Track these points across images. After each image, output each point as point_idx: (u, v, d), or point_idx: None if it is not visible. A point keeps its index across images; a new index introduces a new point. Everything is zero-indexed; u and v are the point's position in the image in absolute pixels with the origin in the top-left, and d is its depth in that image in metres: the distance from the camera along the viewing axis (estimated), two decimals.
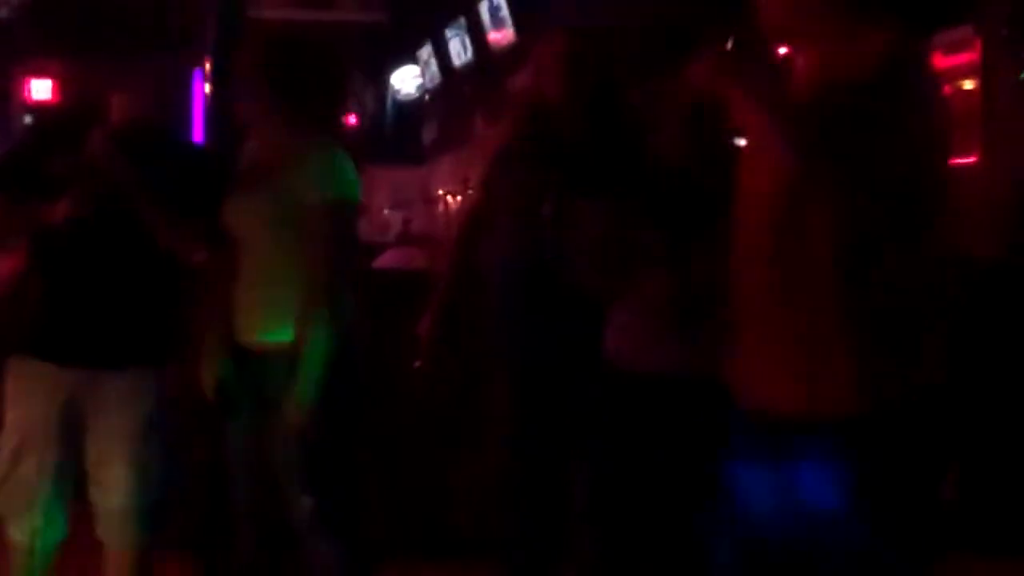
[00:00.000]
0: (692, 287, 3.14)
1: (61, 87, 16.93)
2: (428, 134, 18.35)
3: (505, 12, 12.97)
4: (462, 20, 14.60)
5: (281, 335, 3.32)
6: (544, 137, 3.72)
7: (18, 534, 3.42)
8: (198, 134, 7.94)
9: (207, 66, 6.32)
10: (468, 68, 14.88)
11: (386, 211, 16.03)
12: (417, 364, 3.92)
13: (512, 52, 12.35)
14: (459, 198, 15.93)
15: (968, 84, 7.53)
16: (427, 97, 17.99)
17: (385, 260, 8.33)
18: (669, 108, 3.36)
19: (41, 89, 17.25)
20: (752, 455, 2.58)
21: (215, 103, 5.87)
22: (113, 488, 3.38)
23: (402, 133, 18.38)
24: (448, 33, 15.31)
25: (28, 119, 17.51)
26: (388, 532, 4.41)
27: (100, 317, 3.37)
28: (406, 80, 18.20)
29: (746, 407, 2.56)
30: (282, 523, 3.43)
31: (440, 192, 16.65)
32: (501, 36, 13.16)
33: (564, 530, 3.70)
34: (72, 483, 3.43)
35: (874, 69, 2.38)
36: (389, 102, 18.40)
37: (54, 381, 3.37)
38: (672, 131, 3.37)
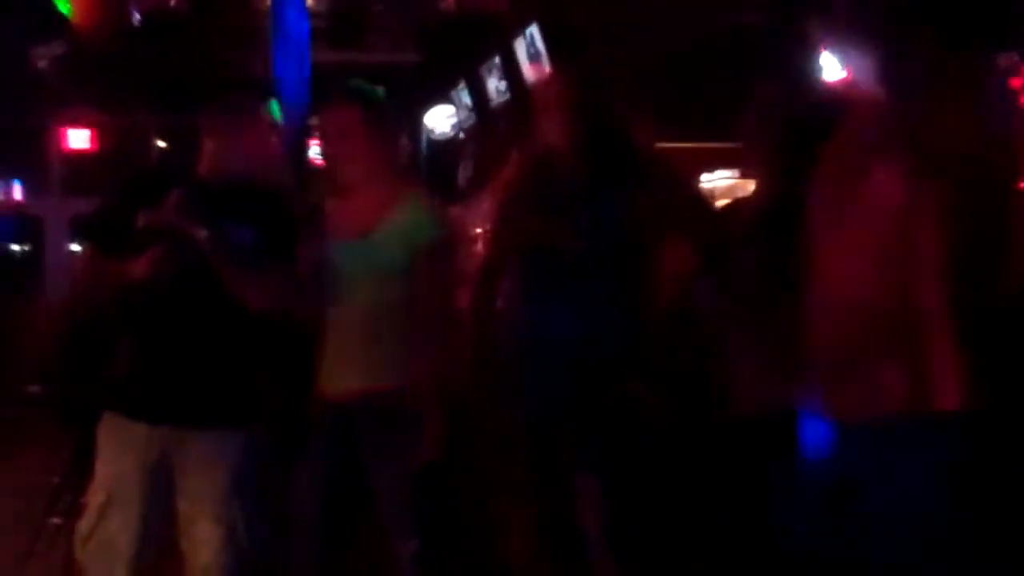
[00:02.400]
0: None
1: (99, 136, 17.07)
2: (464, 173, 18.38)
3: (541, 48, 13.01)
4: (497, 59, 14.65)
5: (384, 381, 3.41)
6: (549, 184, 3.68)
7: None
8: None
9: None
10: (504, 105, 14.92)
11: None
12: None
13: None
14: None
15: None
16: (462, 135, 18.04)
17: None
18: None
19: (78, 138, 17.42)
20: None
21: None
22: (202, 545, 3.36)
23: (437, 172, 18.42)
24: (483, 71, 15.36)
25: (61, 166, 17.74)
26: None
27: (186, 376, 3.35)
28: (440, 119, 18.26)
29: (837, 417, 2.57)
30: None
31: (478, 231, 16.65)
32: (537, 71, 13.18)
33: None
34: (158, 539, 3.40)
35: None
36: (423, 142, 18.46)
37: (143, 440, 3.35)
38: None
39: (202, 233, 3.28)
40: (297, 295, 3.44)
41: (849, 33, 2.69)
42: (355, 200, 3.59)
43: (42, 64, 14.37)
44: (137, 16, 12.63)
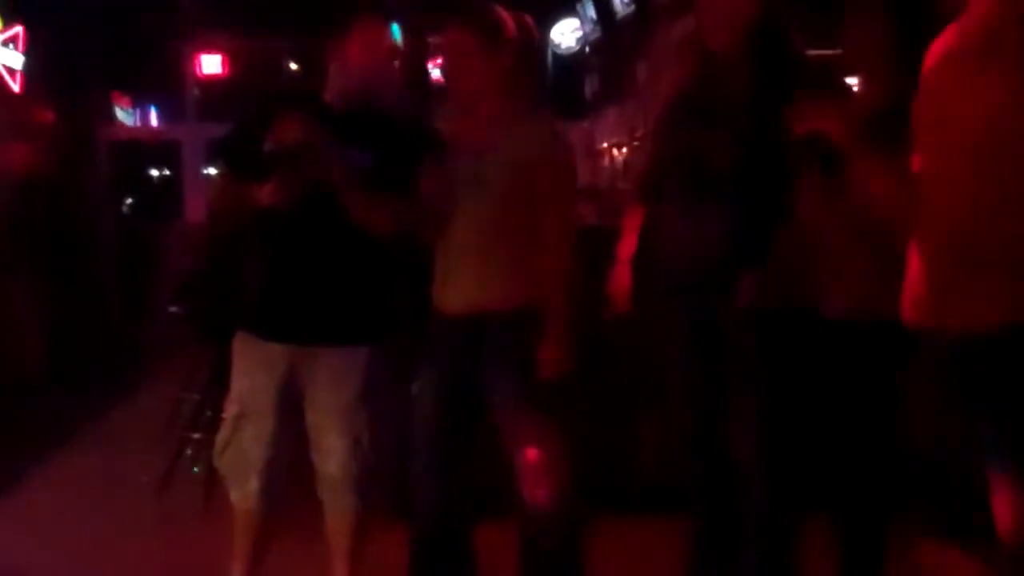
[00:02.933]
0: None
1: (232, 61, 17.36)
2: (589, 87, 18.28)
3: None
4: None
5: (500, 297, 3.48)
6: (712, 90, 3.64)
7: (238, 497, 3.54)
8: None
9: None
10: (630, 18, 14.76)
11: None
12: (609, 315, 3.92)
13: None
14: (624, 150, 15.89)
15: None
16: (587, 50, 17.93)
17: None
18: None
19: (212, 64, 17.74)
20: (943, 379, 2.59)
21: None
22: (329, 456, 3.48)
23: (563, 87, 18.34)
24: None
25: (196, 91, 18.10)
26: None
27: (314, 296, 3.46)
28: (566, 34, 18.16)
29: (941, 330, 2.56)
30: (465, 486, 3.64)
31: (604, 145, 16.60)
32: None
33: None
34: (289, 450, 3.53)
35: None
36: (549, 56, 18.38)
37: (273, 357, 3.47)
38: None
39: (326, 156, 3.36)
40: (416, 218, 3.51)
41: None
42: (473, 120, 3.63)
43: None
44: None
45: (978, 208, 2.54)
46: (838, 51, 3.99)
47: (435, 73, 8.75)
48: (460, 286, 3.57)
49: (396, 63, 3.67)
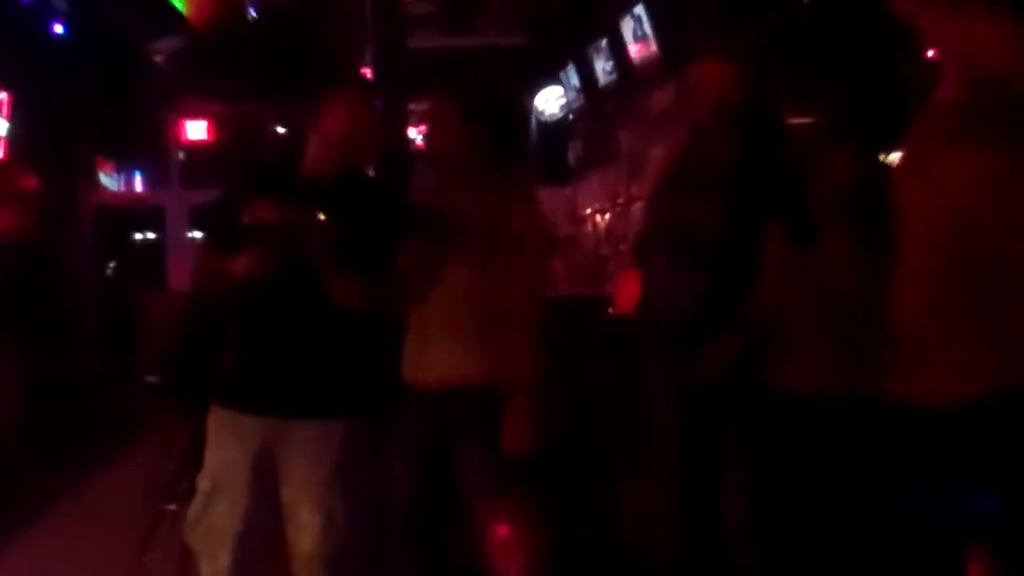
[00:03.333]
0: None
1: (216, 127, 17.43)
2: (573, 153, 18.39)
3: (648, 26, 12.93)
4: (604, 41, 14.61)
5: (470, 370, 3.42)
6: (699, 161, 3.67)
7: (209, 573, 3.49)
8: None
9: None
10: (612, 85, 14.88)
11: None
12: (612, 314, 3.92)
13: (655, 65, 12.32)
14: (607, 215, 15.95)
15: None
16: (571, 117, 18.05)
17: None
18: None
19: (196, 130, 17.81)
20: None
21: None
22: (303, 532, 3.43)
23: (547, 154, 18.45)
24: (591, 52, 15.34)
25: (181, 156, 18.16)
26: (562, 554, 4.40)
27: (290, 369, 3.43)
28: (549, 101, 18.30)
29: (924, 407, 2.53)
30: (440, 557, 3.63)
31: (588, 211, 16.66)
32: (643, 49, 13.11)
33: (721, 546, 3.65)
34: (262, 525, 3.49)
35: None
36: (533, 124, 18.50)
37: (246, 429, 3.44)
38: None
39: (303, 230, 3.35)
40: (393, 291, 3.49)
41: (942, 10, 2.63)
42: (451, 190, 3.63)
43: (159, 59, 14.68)
44: (252, 12, 12.85)
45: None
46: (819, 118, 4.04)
47: (416, 139, 8.77)
48: (432, 360, 3.55)
49: (377, 135, 3.68)
